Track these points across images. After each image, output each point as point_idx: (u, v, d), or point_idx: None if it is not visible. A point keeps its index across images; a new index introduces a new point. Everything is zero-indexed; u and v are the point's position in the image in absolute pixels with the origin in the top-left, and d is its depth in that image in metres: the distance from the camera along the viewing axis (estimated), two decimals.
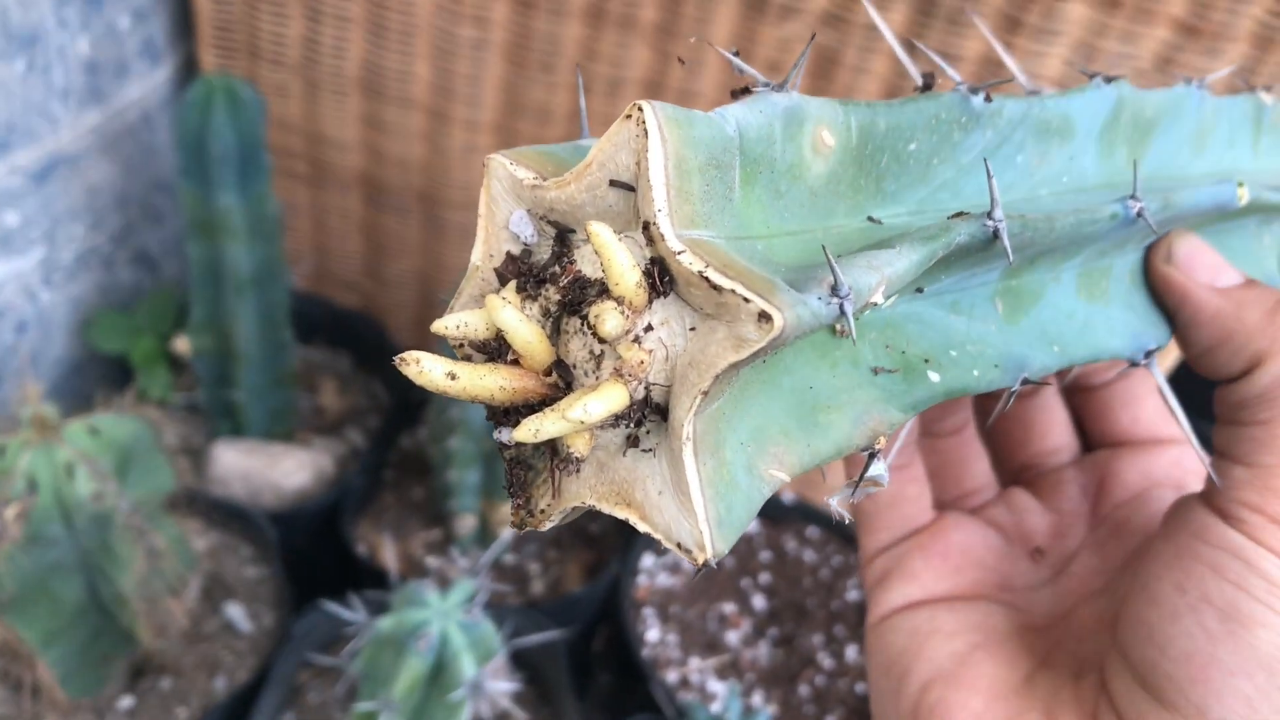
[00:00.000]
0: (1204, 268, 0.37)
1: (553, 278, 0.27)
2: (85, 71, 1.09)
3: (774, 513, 1.28)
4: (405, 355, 0.25)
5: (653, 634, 1.13)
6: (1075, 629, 0.39)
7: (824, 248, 0.24)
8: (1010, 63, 0.38)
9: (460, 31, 1.10)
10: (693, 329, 0.25)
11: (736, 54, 0.27)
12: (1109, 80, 0.36)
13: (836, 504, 0.27)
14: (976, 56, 0.95)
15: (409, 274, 1.35)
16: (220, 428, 1.22)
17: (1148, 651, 0.33)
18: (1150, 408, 0.44)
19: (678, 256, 0.24)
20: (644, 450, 0.25)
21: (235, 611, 1.07)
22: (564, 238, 0.27)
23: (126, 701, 0.98)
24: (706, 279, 0.23)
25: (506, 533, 1.15)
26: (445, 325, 0.27)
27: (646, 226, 0.24)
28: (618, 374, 0.25)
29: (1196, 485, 0.35)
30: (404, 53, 1.14)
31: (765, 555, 1.25)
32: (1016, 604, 0.41)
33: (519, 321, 0.25)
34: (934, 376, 0.29)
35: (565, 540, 1.24)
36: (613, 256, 0.24)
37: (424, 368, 0.25)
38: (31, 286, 1.11)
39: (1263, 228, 0.41)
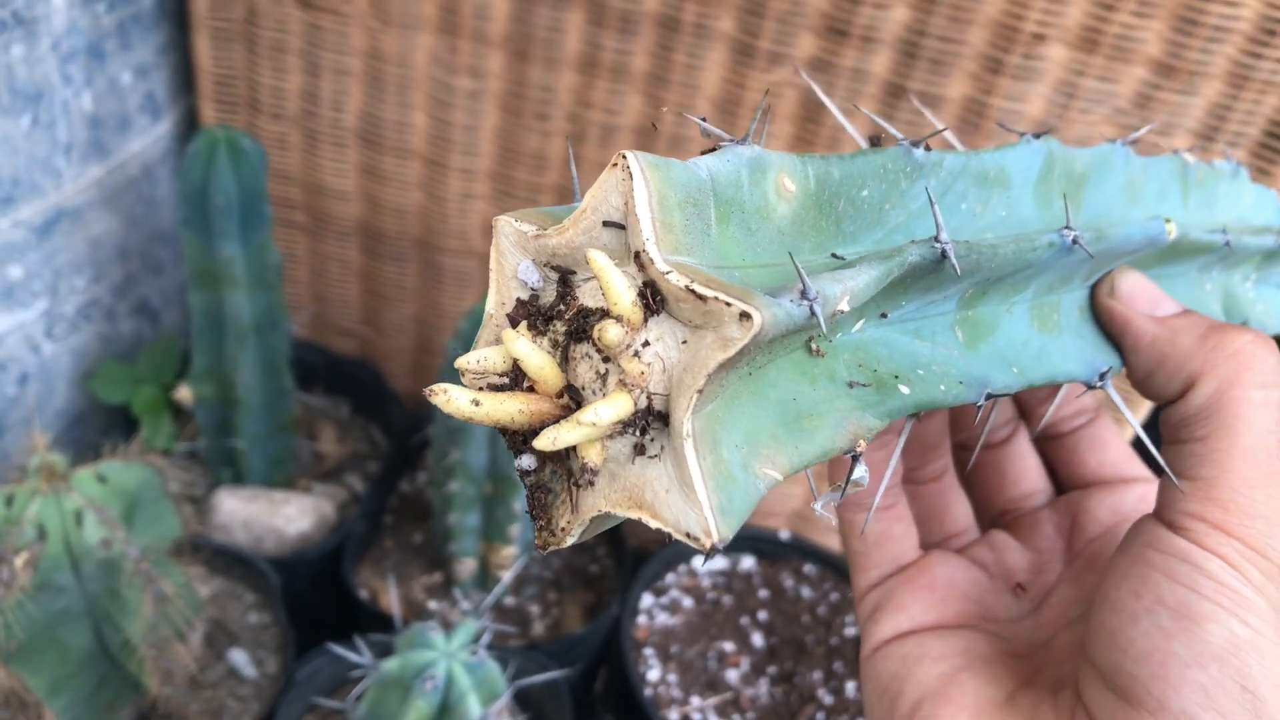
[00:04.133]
0: (1144, 299, 0.40)
1: (559, 314, 0.30)
2: (88, 126, 1.12)
3: (771, 550, 1.29)
4: (434, 387, 0.28)
5: (653, 673, 1.13)
6: (1055, 654, 0.42)
7: (790, 255, 0.27)
8: (951, 138, 0.41)
9: (456, 82, 1.13)
10: (684, 341, 0.27)
11: (704, 120, 0.30)
12: (1037, 135, 0.39)
13: (822, 507, 0.29)
14: (959, 97, 0.98)
15: (406, 320, 1.37)
16: (222, 475, 1.23)
17: (1112, 655, 0.35)
18: (1115, 451, 0.47)
19: (666, 276, 0.27)
20: (650, 456, 0.28)
21: (239, 658, 1.07)
22: (566, 279, 0.30)
23: None
24: (693, 291, 0.26)
25: (507, 575, 1.16)
26: (467, 361, 0.30)
27: (637, 255, 0.27)
28: (622, 384, 0.27)
29: None
30: (401, 104, 1.17)
31: (763, 593, 1.26)
32: (1000, 634, 0.44)
33: (532, 350, 0.28)
34: (904, 390, 0.32)
35: (565, 581, 1.25)
36: (610, 279, 0.27)
37: (450, 396, 0.28)
38: (34, 338, 1.12)
39: (1203, 275, 0.44)
